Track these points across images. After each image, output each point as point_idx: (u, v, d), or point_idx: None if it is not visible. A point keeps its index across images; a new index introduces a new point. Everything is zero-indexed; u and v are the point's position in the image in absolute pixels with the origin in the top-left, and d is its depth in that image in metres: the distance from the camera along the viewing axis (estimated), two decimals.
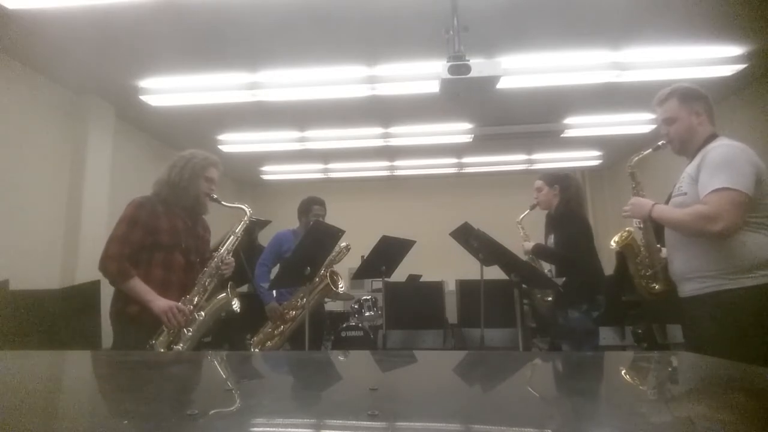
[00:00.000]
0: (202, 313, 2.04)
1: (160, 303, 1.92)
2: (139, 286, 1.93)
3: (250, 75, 4.10)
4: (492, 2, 3.08)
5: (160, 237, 2.02)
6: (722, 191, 1.63)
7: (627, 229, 2.16)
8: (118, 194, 2.14)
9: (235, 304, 2.12)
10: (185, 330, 1.97)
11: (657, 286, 2.00)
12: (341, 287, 3.03)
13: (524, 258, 2.82)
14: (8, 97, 3.82)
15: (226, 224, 2.37)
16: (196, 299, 2.04)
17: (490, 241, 2.48)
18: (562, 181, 2.82)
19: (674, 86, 1.88)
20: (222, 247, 2.18)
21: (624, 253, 2.14)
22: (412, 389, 0.95)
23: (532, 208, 2.96)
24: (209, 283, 2.09)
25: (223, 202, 2.21)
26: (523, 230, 3.03)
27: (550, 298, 2.75)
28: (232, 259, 2.19)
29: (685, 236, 1.77)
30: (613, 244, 2.18)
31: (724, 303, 1.64)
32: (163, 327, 1.93)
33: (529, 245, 2.84)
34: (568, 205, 2.77)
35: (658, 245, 2.00)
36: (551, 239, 2.80)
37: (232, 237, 2.20)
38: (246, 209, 2.27)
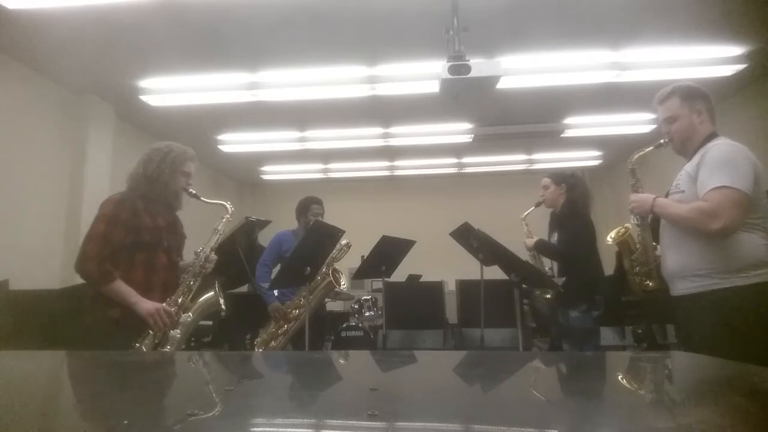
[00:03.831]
0: (190, 314, 1.98)
1: (146, 305, 1.85)
2: (122, 288, 1.84)
3: (250, 75, 4.10)
4: (492, 2, 3.08)
5: (142, 236, 1.93)
6: (723, 189, 1.63)
7: (625, 225, 2.16)
8: None
9: (221, 303, 2.07)
10: (173, 332, 1.91)
11: (651, 284, 2.01)
12: (343, 284, 3.04)
13: (527, 254, 2.82)
14: (8, 97, 3.82)
15: (202, 221, 2.29)
16: (180, 300, 1.97)
17: (490, 241, 2.48)
18: (569, 181, 2.84)
19: (675, 85, 1.88)
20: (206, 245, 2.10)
21: (620, 249, 2.15)
22: (412, 389, 0.94)
23: (537, 205, 2.97)
24: (194, 283, 2.02)
25: (203, 198, 2.12)
26: (527, 227, 3.03)
27: (548, 295, 2.77)
28: (215, 256, 2.12)
29: (681, 234, 1.77)
30: (609, 239, 2.19)
31: (716, 302, 1.64)
32: (148, 330, 1.86)
33: (531, 241, 2.85)
34: (573, 204, 2.78)
35: (654, 243, 2.00)
36: (554, 237, 2.81)
37: (214, 234, 2.13)
38: (227, 206, 2.19)
